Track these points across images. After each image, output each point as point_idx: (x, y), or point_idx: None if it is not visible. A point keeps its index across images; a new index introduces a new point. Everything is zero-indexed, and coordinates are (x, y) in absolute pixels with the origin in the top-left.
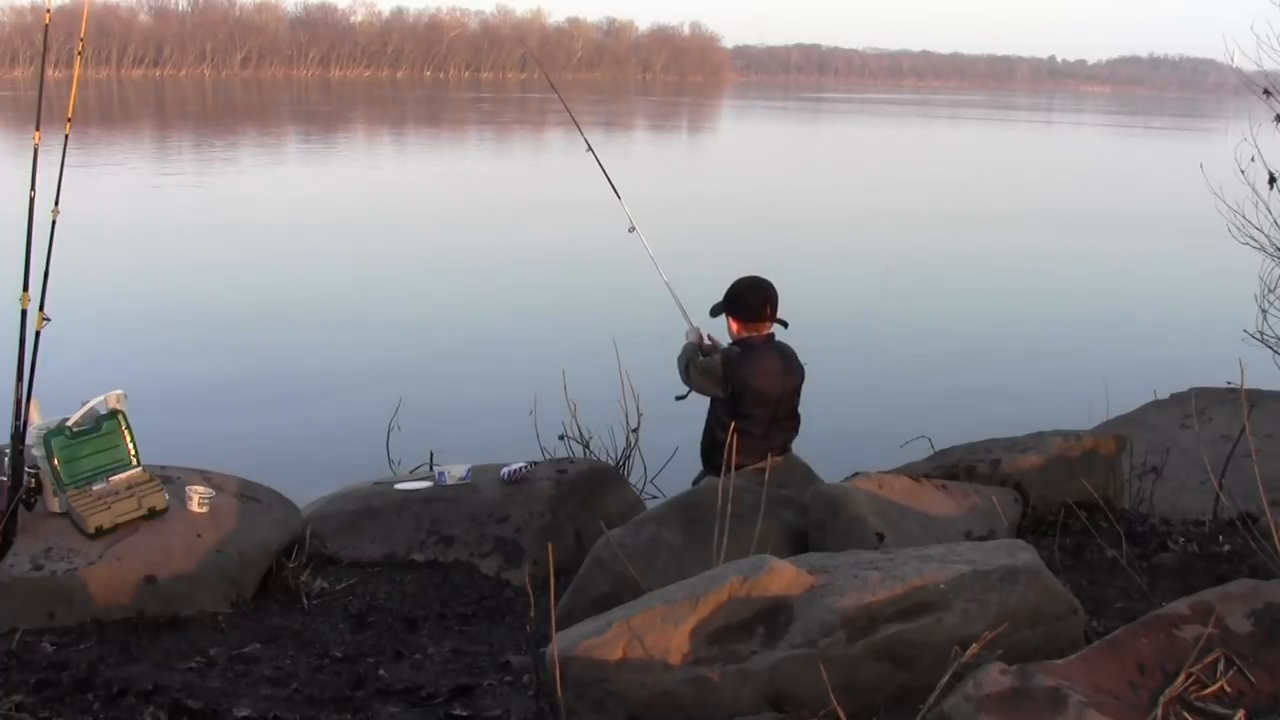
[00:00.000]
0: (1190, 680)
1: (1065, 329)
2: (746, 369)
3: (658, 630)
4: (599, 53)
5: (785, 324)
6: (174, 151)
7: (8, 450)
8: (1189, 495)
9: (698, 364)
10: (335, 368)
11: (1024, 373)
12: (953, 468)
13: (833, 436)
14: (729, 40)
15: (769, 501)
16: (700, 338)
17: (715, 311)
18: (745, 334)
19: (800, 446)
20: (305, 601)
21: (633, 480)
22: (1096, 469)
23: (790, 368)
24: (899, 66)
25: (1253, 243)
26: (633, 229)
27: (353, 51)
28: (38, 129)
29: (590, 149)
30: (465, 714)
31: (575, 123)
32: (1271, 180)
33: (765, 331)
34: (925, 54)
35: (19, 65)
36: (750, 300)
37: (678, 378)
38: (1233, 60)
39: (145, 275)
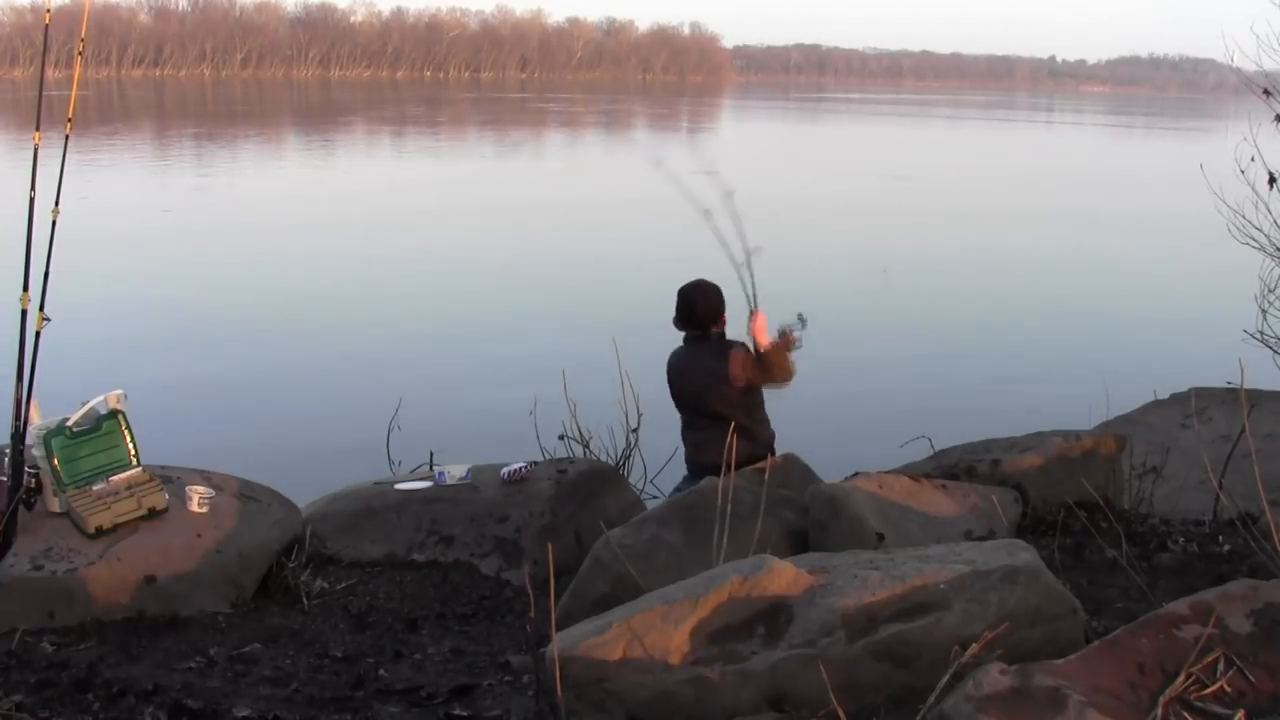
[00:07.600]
0: (1190, 680)
1: (1065, 329)
2: (669, 369)
3: (658, 630)
4: (599, 53)
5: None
6: (175, 151)
7: (8, 450)
8: (1189, 495)
9: None
10: (335, 368)
11: (1024, 373)
12: (953, 468)
13: (833, 436)
14: (729, 40)
15: (769, 501)
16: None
17: None
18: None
19: (800, 446)
20: (305, 601)
21: (633, 480)
22: (1096, 469)
23: (686, 369)
24: (899, 66)
25: (1253, 243)
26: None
27: (353, 51)
28: (38, 129)
29: None
30: (465, 714)
31: None
32: (1271, 180)
33: (697, 332)
34: (925, 54)
35: (19, 65)
36: (680, 310)
37: None
38: (1233, 60)
39: (145, 275)
